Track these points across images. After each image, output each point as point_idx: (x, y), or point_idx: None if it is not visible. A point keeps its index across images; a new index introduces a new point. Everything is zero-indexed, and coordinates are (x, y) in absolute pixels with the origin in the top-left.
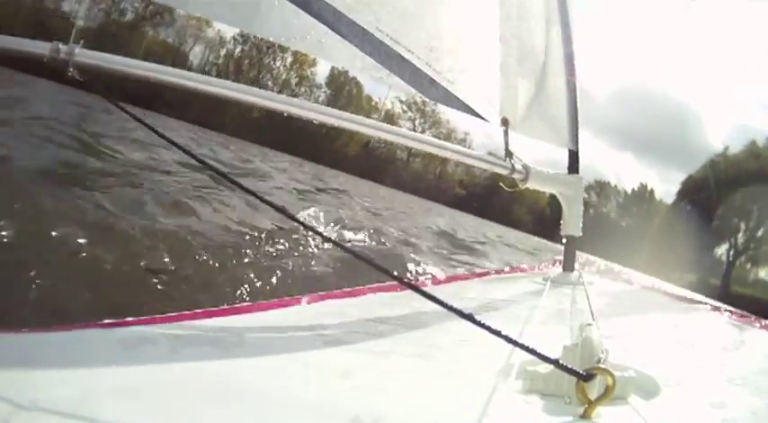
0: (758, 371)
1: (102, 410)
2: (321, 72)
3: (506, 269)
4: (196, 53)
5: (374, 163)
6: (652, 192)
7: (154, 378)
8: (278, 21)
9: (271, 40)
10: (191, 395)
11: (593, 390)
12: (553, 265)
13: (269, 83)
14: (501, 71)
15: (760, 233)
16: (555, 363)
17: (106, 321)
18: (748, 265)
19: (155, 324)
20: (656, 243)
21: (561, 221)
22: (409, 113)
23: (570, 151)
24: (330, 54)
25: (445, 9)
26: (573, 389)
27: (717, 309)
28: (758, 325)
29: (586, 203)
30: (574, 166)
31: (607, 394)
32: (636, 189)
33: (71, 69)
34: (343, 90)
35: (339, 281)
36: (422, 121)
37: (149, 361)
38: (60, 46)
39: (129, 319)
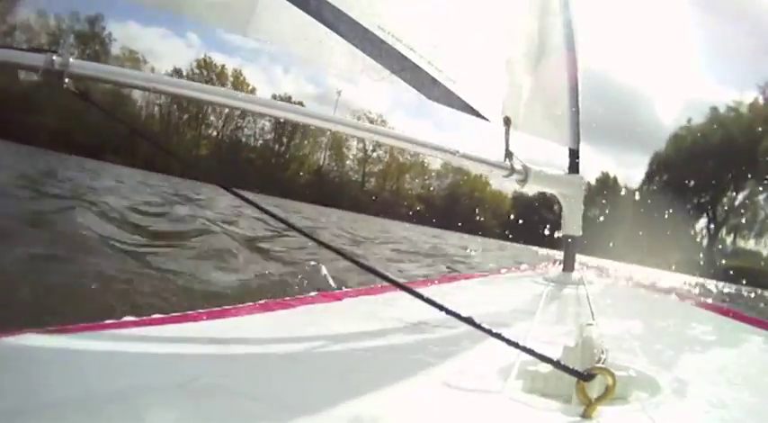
0: (758, 371)
1: (102, 411)
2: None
3: (506, 269)
4: (137, 96)
5: (328, 188)
6: (615, 179)
7: (154, 378)
8: (274, 23)
9: (268, 42)
10: (191, 395)
11: (594, 390)
12: (553, 265)
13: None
14: (507, 67)
15: (737, 201)
16: (555, 363)
17: (106, 322)
18: (731, 237)
19: (155, 325)
20: (631, 230)
21: (561, 221)
22: None
23: (571, 150)
24: (330, 56)
25: (449, 5)
26: (573, 389)
27: (718, 309)
28: (758, 325)
29: (549, 199)
30: (574, 165)
31: (607, 394)
32: (599, 178)
33: (66, 80)
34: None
35: None
36: None
37: (149, 361)
38: (54, 57)
39: (130, 319)
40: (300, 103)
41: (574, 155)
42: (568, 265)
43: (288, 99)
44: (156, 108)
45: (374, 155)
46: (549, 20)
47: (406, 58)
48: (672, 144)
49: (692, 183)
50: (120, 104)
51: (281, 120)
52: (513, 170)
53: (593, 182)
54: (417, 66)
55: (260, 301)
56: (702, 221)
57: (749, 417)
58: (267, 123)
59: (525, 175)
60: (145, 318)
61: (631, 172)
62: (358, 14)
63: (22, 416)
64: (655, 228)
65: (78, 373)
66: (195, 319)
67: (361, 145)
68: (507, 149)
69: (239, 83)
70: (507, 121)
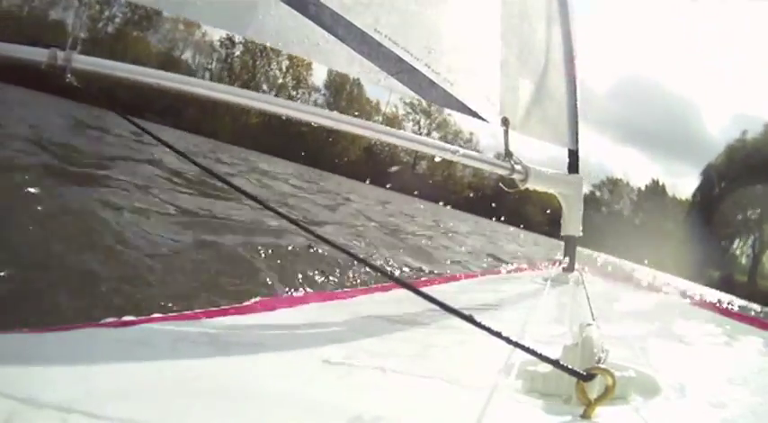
0: (758, 371)
1: (102, 411)
2: (319, 75)
3: (506, 269)
4: (187, 58)
5: (377, 167)
6: (664, 187)
7: (154, 378)
8: (274, 25)
9: (267, 44)
10: (191, 395)
11: (594, 390)
12: (553, 265)
13: (264, 87)
14: (502, 70)
15: None
16: (555, 363)
17: (106, 321)
18: None
19: (155, 323)
20: (675, 240)
21: (561, 221)
22: (413, 115)
23: (570, 151)
24: (328, 58)
25: (444, 9)
26: (573, 389)
27: (718, 309)
28: (758, 325)
29: (600, 201)
30: (574, 165)
31: (607, 394)
32: (648, 185)
33: (69, 75)
34: (342, 92)
35: None
36: (428, 122)
37: (149, 361)
38: (58, 52)
39: (129, 318)
40: None
41: (573, 155)
42: (569, 264)
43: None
44: (207, 74)
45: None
46: (546, 23)
47: (402, 60)
48: (726, 155)
49: (742, 200)
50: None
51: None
52: (513, 169)
53: (642, 188)
54: (415, 68)
55: (260, 301)
56: (749, 240)
57: (749, 417)
58: (321, 98)
59: (525, 175)
60: (145, 317)
61: (679, 181)
62: (355, 17)
63: (23, 416)
64: (698, 241)
65: (78, 372)
66: (195, 318)
67: (414, 126)
68: (507, 149)
69: (293, 55)
70: (505, 122)
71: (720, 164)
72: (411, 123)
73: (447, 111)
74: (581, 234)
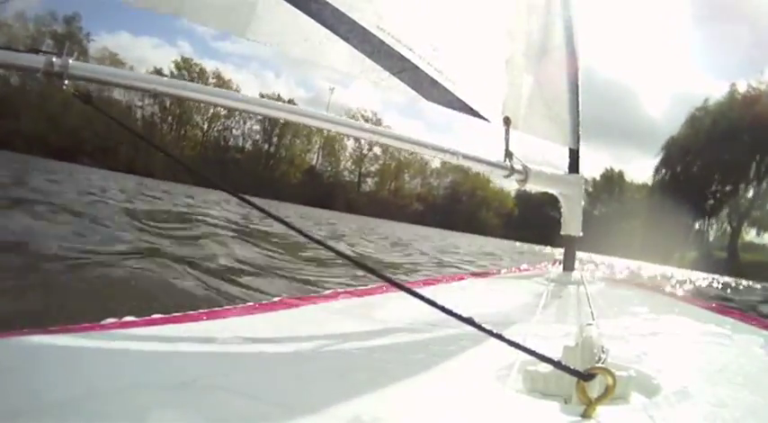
0: (758, 371)
1: (102, 411)
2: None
3: (506, 269)
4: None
5: (321, 188)
6: (621, 173)
7: (155, 379)
8: (274, 25)
9: (267, 45)
10: (191, 395)
11: (594, 390)
12: (553, 264)
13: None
14: (507, 67)
15: (764, 188)
16: (555, 363)
17: (106, 321)
18: (755, 229)
19: (155, 325)
20: (640, 225)
21: (561, 221)
22: None
23: (571, 150)
24: (329, 58)
25: (449, 4)
26: (573, 389)
27: (718, 309)
28: (759, 325)
29: (551, 198)
30: (574, 165)
31: (607, 394)
32: (603, 174)
33: (66, 82)
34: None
35: None
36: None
37: (150, 361)
38: (54, 59)
39: (130, 319)
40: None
41: (574, 155)
42: (569, 264)
43: (278, 98)
44: (139, 110)
45: (370, 153)
46: (550, 19)
47: (405, 58)
48: (688, 126)
49: (713, 167)
50: (107, 104)
51: (282, 120)
52: (513, 170)
53: (597, 178)
54: (417, 67)
55: (260, 302)
56: (725, 212)
57: (749, 417)
58: (257, 125)
59: (525, 175)
60: (145, 317)
61: (629, 166)
62: (358, 16)
63: (23, 416)
64: (669, 222)
65: (79, 372)
66: (195, 318)
67: (357, 144)
68: (507, 149)
69: (222, 83)
70: (507, 122)
71: (683, 136)
72: None
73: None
74: (581, 234)
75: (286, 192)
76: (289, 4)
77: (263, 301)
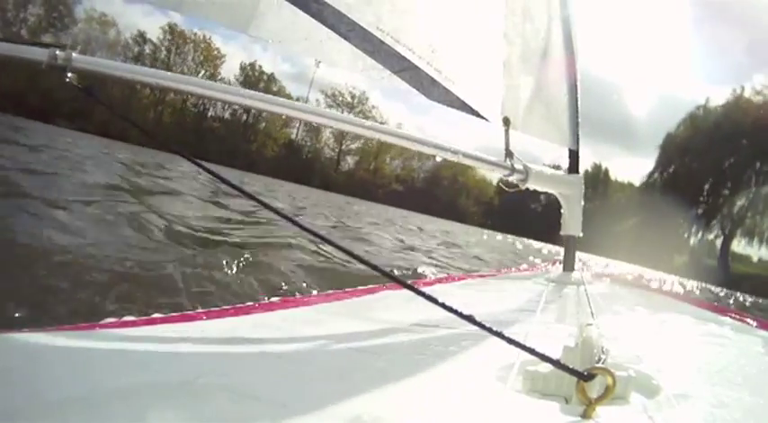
0: (758, 371)
1: (102, 411)
2: (230, 68)
3: (506, 269)
4: (101, 56)
5: (299, 164)
6: (607, 171)
7: (155, 378)
8: (276, 22)
9: (269, 42)
10: (191, 396)
11: (594, 389)
12: (553, 264)
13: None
14: (504, 69)
15: (761, 195)
16: (555, 363)
17: (106, 321)
18: (746, 239)
19: (155, 324)
20: (628, 226)
21: (561, 221)
22: (335, 108)
23: (571, 150)
24: (331, 56)
25: (447, 7)
26: (573, 389)
27: (718, 309)
28: (758, 325)
29: (534, 196)
30: (574, 165)
31: (607, 394)
32: (588, 171)
33: (69, 74)
34: (257, 88)
35: None
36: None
37: (150, 361)
38: (57, 52)
39: (130, 318)
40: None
41: (574, 155)
42: (569, 264)
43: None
44: None
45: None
46: (549, 20)
47: (405, 58)
48: (688, 125)
49: (711, 170)
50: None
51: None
52: (513, 170)
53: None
54: (416, 66)
55: (261, 302)
56: (718, 218)
57: (749, 417)
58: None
59: (525, 175)
60: (145, 317)
61: (609, 164)
62: (358, 17)
63: (23, 415)
64: (660, 224)
65: (79, 372)
66: (195, 318)
67: None
68: (507, 149)
69: (209, 50)
70: (507, 122)
71: (681, 135)
72: None
73: (372, 102)
74: (581, 234)
75: (261, 165)
76: (289, 4)
77: (263, 302)
